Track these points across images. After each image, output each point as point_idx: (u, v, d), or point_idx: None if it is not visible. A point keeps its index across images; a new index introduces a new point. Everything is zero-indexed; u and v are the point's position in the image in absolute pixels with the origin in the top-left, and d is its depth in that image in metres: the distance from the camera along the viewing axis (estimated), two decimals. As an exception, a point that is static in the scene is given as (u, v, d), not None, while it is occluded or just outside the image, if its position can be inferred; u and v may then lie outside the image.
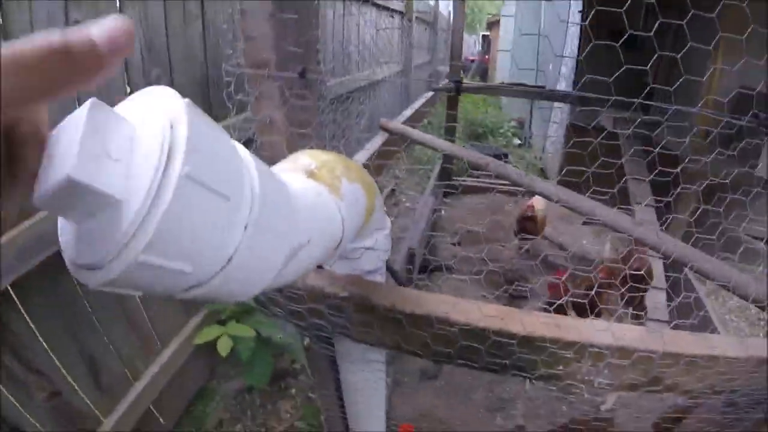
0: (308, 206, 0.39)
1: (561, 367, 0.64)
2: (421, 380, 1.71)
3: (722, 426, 0.75)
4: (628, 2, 0.62)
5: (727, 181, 0.72)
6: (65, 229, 0.28)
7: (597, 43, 0.73)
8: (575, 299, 1.44)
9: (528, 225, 2.41)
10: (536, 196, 2.37)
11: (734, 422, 0.73)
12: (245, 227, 0.29)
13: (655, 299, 1.36)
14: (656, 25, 0.63)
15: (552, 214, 2.69)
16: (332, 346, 0.84)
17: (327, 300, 0.62)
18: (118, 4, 1.23)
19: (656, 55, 0.75)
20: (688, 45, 0.69)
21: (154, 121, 0.26)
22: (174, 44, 1.47)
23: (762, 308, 0.79)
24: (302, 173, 0.44)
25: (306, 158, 0.46)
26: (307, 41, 0.65)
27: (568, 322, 0.63)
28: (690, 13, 0.68)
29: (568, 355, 0.62)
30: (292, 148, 0.59)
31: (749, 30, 0.67)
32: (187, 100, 0.27)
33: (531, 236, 2.43)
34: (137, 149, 0.25)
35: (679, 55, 0.68)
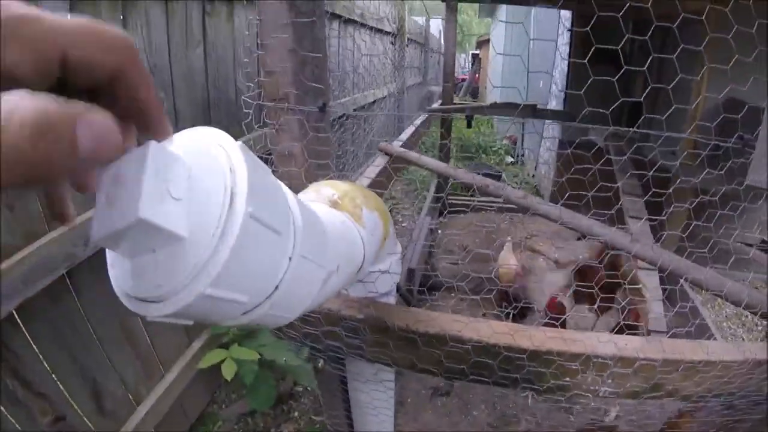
0: (336, 235, 0.42)
1: (568, 379, 0.67)
2: (433, 397, 1.72)
3: (724, 428, 0.78)
4: (619, 10, 0.67)
5: (716, 198, 0.76)
6: (117, 263, 0.29)
7: (585, 63, 0.77)
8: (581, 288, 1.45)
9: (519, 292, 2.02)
10: (502, 256, 2.19)
11: (735, 424, 0.76)
12: (290, 258, 0.32)
13: (653, 310, 1.40)
14: (649, 60, 0.68)
15: (549, 231, 2.74)
16: (343, 366, 0.86)
17: (343, 322, 0.65)
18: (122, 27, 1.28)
19: (642, 70, 0.80)
20: (675, 53, 0.74)
21: (212, 163, 0.28)
22: (176, 67, 1.51)
23: (755, 313, 0.82)
24: (326, 203, 0.47)
25: (328, 189, 0.49)
26: (324, 75, 0.68)
27: (573, 335, 0.67)
28: (679, 46, 0.73)
29: (574, 367, 0.65)
30: (310, 178, 0.62)
31: (735, 58, 0.72)
32: (240, 143, 0.29)
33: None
34: (196, 188, 0.27)
35: (670, 87, 0.72)
